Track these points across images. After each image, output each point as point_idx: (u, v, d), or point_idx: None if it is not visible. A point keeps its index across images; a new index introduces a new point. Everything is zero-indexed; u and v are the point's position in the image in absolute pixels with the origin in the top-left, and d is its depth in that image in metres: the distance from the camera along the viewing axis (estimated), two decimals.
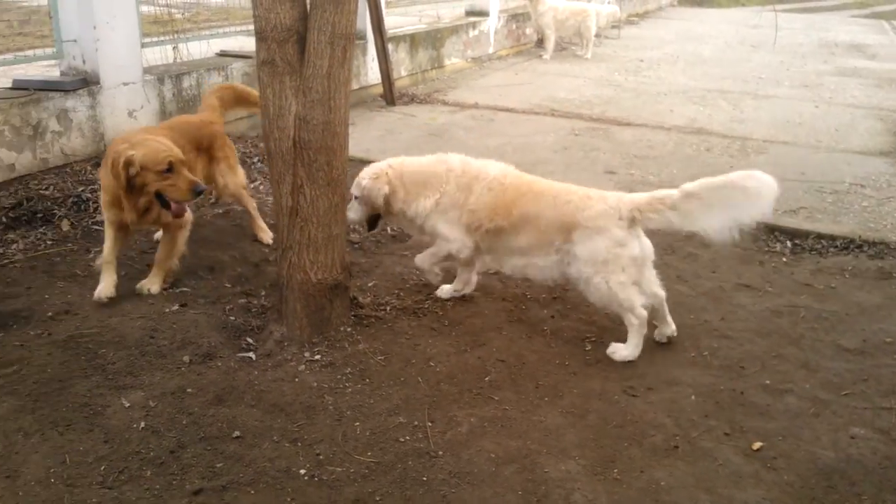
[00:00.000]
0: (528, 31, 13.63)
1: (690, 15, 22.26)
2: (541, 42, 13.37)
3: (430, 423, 3.12)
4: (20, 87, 5.44)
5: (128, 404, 3.15)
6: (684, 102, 9.43)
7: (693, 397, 3.36)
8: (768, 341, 3.85)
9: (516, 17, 13.20)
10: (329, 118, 3.42)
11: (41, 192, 5.06)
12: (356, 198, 4.08)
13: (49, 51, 5.93)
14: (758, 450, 3.01)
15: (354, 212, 4.08)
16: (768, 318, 4.09)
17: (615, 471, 2.89)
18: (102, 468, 2.80)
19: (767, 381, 3.49)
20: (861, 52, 14.98)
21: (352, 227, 4.39)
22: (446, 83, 10.25)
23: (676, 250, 4.89)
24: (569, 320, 4.00)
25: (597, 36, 13.43)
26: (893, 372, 3.59)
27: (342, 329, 3.75)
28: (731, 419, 3.21)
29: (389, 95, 8.69)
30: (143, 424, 3.03)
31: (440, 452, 2.95)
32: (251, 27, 8.60)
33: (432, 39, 10.48)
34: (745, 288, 4.43)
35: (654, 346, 3.76)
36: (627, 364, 3.61)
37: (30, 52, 6.22)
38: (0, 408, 3.11)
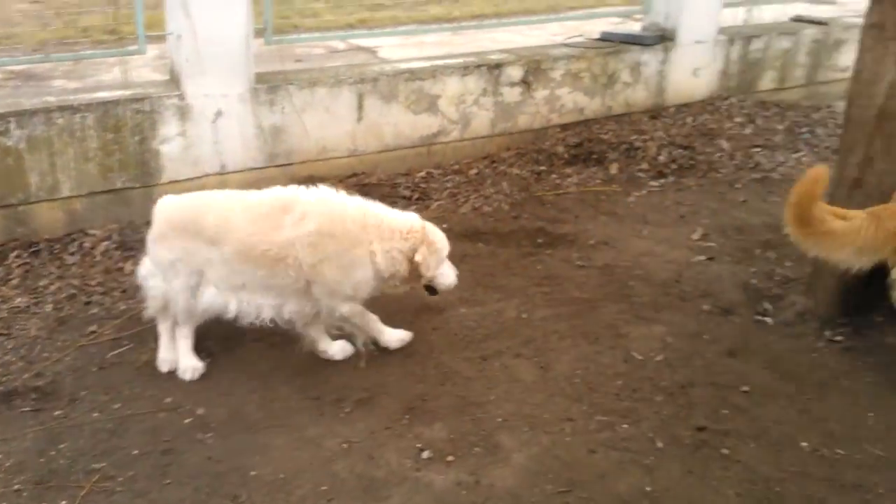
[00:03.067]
0: None
1: None
2: None
3: None
4: (606, 39, 6.10)
5: (648, 335, 3.47)
6: None
7: None
8: None
9: None
10: None
11: (600, 135, 5.67)
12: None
13: (634, 7, 6.50)
14: None
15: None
16: None
17: None
18: (619, 383, 3.17)
19: None
20: None
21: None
22: None
23: None
24: None
25: None
26: None
27: (872, 316, 3.51)
28: None
29: None
30: (659, 356, 3.32)
31: None
32: None
33: None
34: None
35: None
36: None
37: (619, 8, 6.90)
38: (542, 311, 3.70)
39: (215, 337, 3.44)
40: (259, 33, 5.03)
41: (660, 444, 2.82)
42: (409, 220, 3.22)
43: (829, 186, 3.62)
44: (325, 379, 3.21)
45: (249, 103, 4.73)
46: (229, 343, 3.43)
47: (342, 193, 3.21)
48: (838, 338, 3.41)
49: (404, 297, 3.68)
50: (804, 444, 2.80)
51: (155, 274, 3.21)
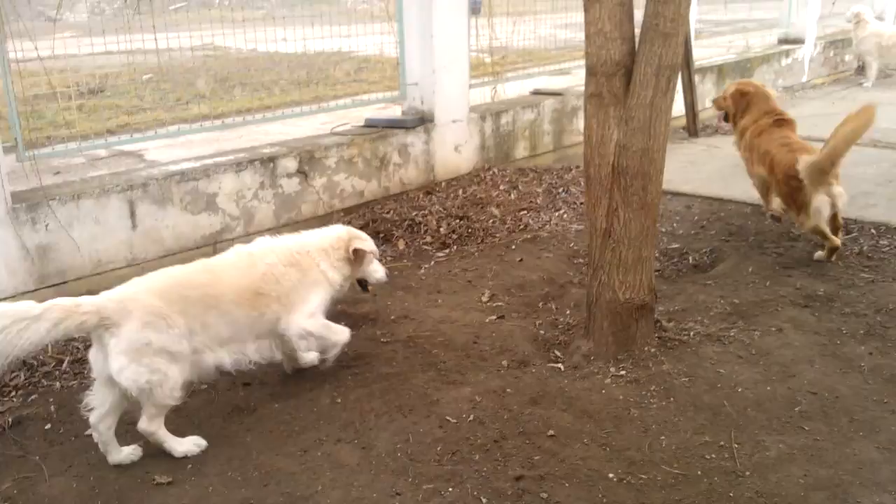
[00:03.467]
0: (848, 58, 12.71)
1: None
2: (861, 70, 12.42)
3: (736, 445, 3.20)
4: (371, 125, 6.42)
5: (458, 397, 3.63)
6: None
7: None
8: None
9: (834, 45, 12.39)
10: (648, 145, 3.66)
11: (384, 215, 5.91)
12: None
13: (393, 94, 6.92)
14: None
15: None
16: None
17: None
18: (439, 448, 3.28)
19: None
20: None
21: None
22: None
23: None
24: (890, 358, 3.80)
25: None
26: None
27: (646, 349, 3.93)
28: None
29: (692, 127, 8.69)
30: (471, 416, 3.48)
31: (747, 473, 3.03)
32: (552, 67, 9.18)
33: (741, 69, 10.24)
34: None
35: None
36: None
37: (378, 95, 7.28)
38: (355, 392, 3.76)
39: None
40: (10, 150, 4.74)
41: (485, 500, 2.95)
42: (334, 231, 3.93)
43: (586, 237, 4.06)
44: (138, 502, 3.01)
45: (10, 225, 4.42)
46: None
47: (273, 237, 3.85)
48: (622, 372, 3.78)
49: (211, 403, 3.59)
50: (611, 475, 3.06)
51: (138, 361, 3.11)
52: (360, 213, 5.95)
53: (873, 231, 5.43)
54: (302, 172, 5.76)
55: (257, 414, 3.62)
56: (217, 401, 3.72)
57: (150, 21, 5.70)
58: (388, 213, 5.94)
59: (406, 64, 6.61)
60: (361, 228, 5.65)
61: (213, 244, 5.29)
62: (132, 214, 4.92)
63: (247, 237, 5.45)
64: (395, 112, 6.97)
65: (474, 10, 7.90)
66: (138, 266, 4.93)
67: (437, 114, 6.58)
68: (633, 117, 3.69)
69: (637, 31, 3.75)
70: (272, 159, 5.59)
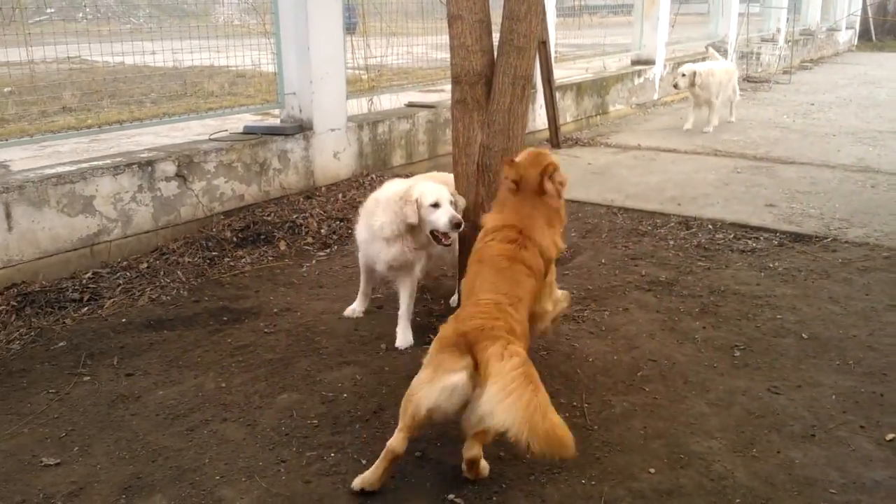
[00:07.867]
0: None
1: (867, 60, 21.39)
2: None
3: (586, 405, 3.62)
4: (250, 132, 6.58)
5: (339, 377, 3.89)
6: (853, 143, 9.39)
7: (833, 397, 3.64)
8: None
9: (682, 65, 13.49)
10: (508, 145, 4.07)
11: (264, 217, 6.08)
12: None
13: (271, 103, 7.12)
14: (890, 440, 3.27)
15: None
16: None
17: (754, 450, 3.25)
18: (322, 421, 3.52)
19: None
20: None
21: None
22: (610, 128, 10.77)
23: (832, 275, 5.09)
24: (720, 331, 4.36)
25: (766, 82, 13.52)
26: None
27: None
28: (868, 415, 3.47)
29: (555, 139, 9.32)
30: (352, 392, 3.74)
31: (595, 427, 3.45)
32: (428, 85, 9.60)
33: (598, 87, 11.06)
34: None
35: (801, 355, 4.05)
36: (773, 367, 3.93)
37: (258, 106, 7.45)
38: (240, 377, 3.94)
39: None
40: None
41: (364, 462, 3.22)
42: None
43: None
44: (27, 482, 3.09)
45: None
46: None
47: None
48: None
49: (95, 392, 3.67)
50: None
51: None
52: (241, 217, 6.10)
53: (710, 226, 6.11)
54: (181, 176, 5.86)
55: (142, 400, 3.73)
56: (100, 390, 3.81)
57: (9, 34, 5.64)
58: (268, 215, 6.11)
59: (284, 74, 6.82)
60: (242, 231, 5.88)
61: (90, 246, 5.31)
62: (8, 216, 4.88)
63: (124, 239, 5.51)
64: (274, 122, 7.16)
65: (351, 29, 8.22)
66: (14, 267, 4.90)
67: (315, 122, 6.82)
68: (494, 121, 4.09)
69: (496, 45, 4.17)
70: (150, 163, 5.66)
